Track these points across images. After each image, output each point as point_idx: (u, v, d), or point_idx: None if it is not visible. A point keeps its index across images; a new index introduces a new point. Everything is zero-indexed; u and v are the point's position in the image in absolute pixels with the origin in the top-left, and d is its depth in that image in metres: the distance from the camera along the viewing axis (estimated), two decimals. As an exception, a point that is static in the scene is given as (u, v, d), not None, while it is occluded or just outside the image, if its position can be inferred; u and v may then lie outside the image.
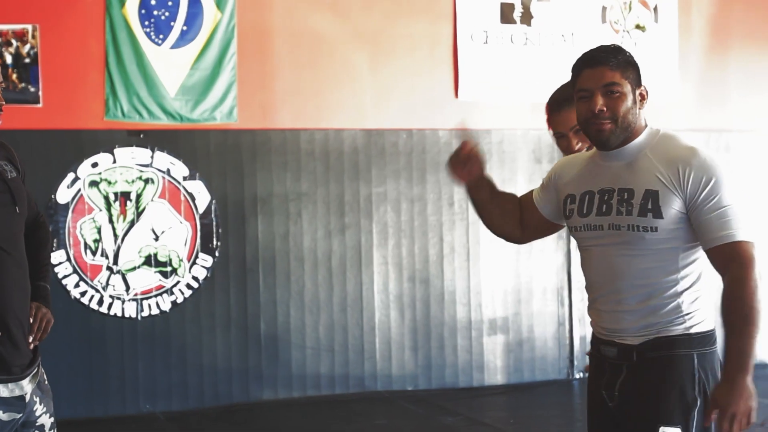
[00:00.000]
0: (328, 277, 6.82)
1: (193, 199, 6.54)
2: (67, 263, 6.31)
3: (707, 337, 2.68)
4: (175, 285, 6.51)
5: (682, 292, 2.68)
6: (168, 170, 6.50)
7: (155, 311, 6.47)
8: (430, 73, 7.02)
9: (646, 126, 2.76)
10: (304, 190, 6.77)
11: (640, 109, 2.74)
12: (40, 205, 3.34)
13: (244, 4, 6.61)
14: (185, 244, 6.53)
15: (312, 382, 6.77)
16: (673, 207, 2.64)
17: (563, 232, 4.25)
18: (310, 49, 6.79)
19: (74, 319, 6.29)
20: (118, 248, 6.41)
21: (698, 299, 2.70)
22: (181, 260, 6.51)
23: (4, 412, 2.71)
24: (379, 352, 6.90)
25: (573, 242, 2.98)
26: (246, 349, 6.64)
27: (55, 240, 6.23)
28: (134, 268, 6.44)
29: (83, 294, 6.34)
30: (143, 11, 6.41)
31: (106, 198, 6.39)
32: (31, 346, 2.83)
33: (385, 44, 6.95)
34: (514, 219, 3.05)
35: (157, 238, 6.47)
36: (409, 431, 6.12)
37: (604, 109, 2.68)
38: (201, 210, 6.56)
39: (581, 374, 7.14)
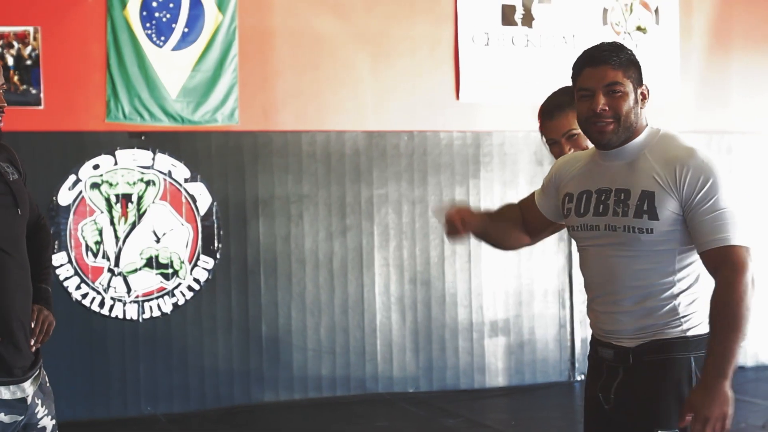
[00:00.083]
0: (329, 278, 6.81)
1: (195, 201, 6.54)
2: (69, 265, 6.31)
3: (704, 340, 2.65)
4: (176, 287, 6.51)
5: (678, 295, 2.66)
6: (169, 172, 6.50)
7: (156, 313, 6.47)
8: (431, 75, 7.02)
9: (646, 125, 2.74)
10: (306, 192, 6.77)
11: (641, 108, 2.72)
12: (41, 207, 3.34)
13: (246, 6, 6.61)
14: (186, 246, 6.53)
15: (313, 384, 6.77)
16: (669, 208, 2.62)
17: (564, 234, 4.24)
18: (311, 51, 6.79)
19: (75, 321, 6.29)
20: (120, 250, 6.41)
21: (695, 302, 2.67)
22: (182, 262, 6.51)
23: (5, 414, 2.71)
24: (380, 354, 6.90)
25: (574, 244, 2.96)
26: (247, 350, 6.64)
27: (56, 242, 6.23)
28: (135, 270, 6.44)
29: (84, 296, 6.34)
30: (144, 13, 6.42)
31: (108, 200, 6.40)
32: (33, 348, 2.83)
33: (386, 46, 6.95)
34: (518, 228, 3.05)
35: (158, 240, 6.47)
36: (410, 433, 6.13)
37: (606, 108, 2.66)
38: (202, 212, 6.56)
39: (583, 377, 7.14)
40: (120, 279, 6.41)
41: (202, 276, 6.56)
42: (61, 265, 6.28)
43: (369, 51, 6.92)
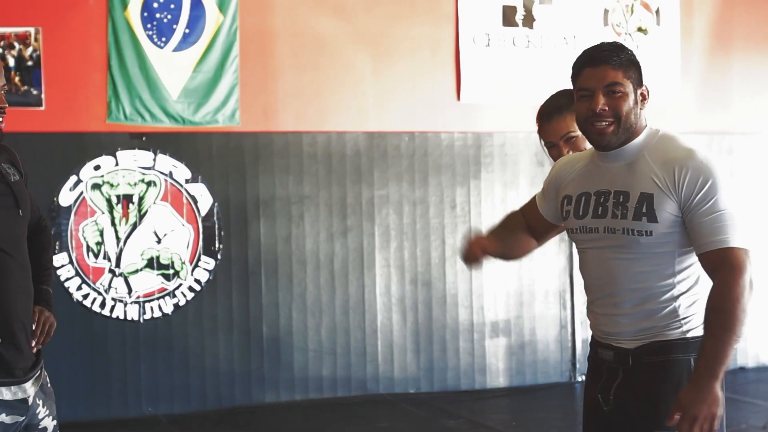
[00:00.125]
0: (330, 279, 6.82)
1: (196, 202, 6.55)
2: (70, 266, 6.31)
3: None
4: (177, 288, 6.51)
5: (678, 296, 2.65)
6: (170, 173, 6.50)
7: (157, 314, 6.47)
8: (432, 76, 7.02)
9: (645, 126, 2.72)
10: (306, 193, 6.78)
11: (641, 109, 2.70)
12: (42, 208, 3.35)
13: (247, 7, 6.62)
14: (187, 247, 6.53)
15: (314, 385, 6.77)
16: (668, 210, 2.60)
17: (565, 234, 4.24)
18: (312, 52, 6.80)
19: (76, 321, 6.29)
20: (121, 251, 6.42)
21: (695, 303, 2.66)
22: (183, 263, 6.52)
23: (7, 415, 2.71)
24: (381, 355, 6.90)
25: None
26: (248, 351, 6.64)
27: (57, 243, 6.23)
28: (136, 271, 6.44)
29: (85, 297, 6.34)
30: (146, 14, 6.42)
31: (109, 201, 6.40)
32: (35, 350, 2.83)
33: (387, 47, 6.95)
34: (525, 236, 3.05)
35: (159, 241, 6.48)
36: (411, 434, 6.13)
37: (606, 108, 2.64)
38: (203, 213, 6.56)
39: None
40: (121, 280, 6.41)
41: (203, 277, 6.56)
42: (62, 266, 6.29)
43: (370, 52, 6.92)
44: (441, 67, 7.04)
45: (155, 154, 6.48)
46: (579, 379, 7.23)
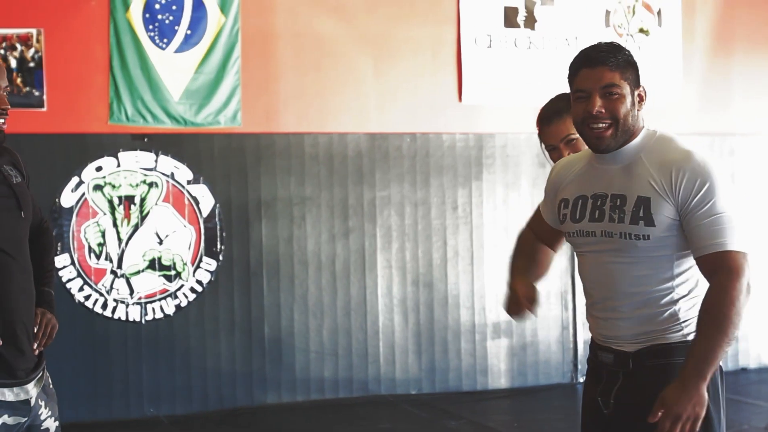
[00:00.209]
0: (331, 280, 6.82)
1: (197, 203, 6.55)
2: (71, 267, 6.31)
3: None
4: (179, 289, 6.51)
5: (678, 300, 2.63)
6: (172, 174, 6.51)
7: (159, 315, 6.48)
8: (433, 77, 7.03)
9: (643, 127, 2.70)
10: (308, 194, 6.78)
11: (638, 110, 2.67)
12: (44, 209, 3.35)
13: (248, 8, 6.62)
14: (189, 248, 6.53)
15: (316, 386, 6.77)
16: (665, 214, 2.57)
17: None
18: (313, 53, 6.80)
19: (78, 322, 6.29)
20: (122, 252, 6.42)
21: (695, 306, 2.62)
22: (185, 264, 6.52)
23: (9, 416, 2.72)
24: (382, 356, 6.90)
25: (577, 246, 2.95)
26: (250, 352, 6.65)
27: (59, 244, 6.24)
28: (138, 272, 6.44)
29: (87, 298, 6.35)
30: (147, 15, 6.42)
31: (110, 202, 6.40)
32: (36, 351, 2.83)
33: (388, 48, 6.95)
34: (544, 254, 3.08)
35: (161, 242, 6.48)
36: (412, 435, 6.13)
37: (603, 110, 2.62)
38: (205, 214, 6.57)
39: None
40: (123, 281, 6.42)
41: (205, 278, 6.56)
42: (64, 267, 6.29)
43: (371, 53, 6.92)
44: (442, 68, 7.04)
45: (157, 156, 6.48)
46: (580, 380, 7.23)
